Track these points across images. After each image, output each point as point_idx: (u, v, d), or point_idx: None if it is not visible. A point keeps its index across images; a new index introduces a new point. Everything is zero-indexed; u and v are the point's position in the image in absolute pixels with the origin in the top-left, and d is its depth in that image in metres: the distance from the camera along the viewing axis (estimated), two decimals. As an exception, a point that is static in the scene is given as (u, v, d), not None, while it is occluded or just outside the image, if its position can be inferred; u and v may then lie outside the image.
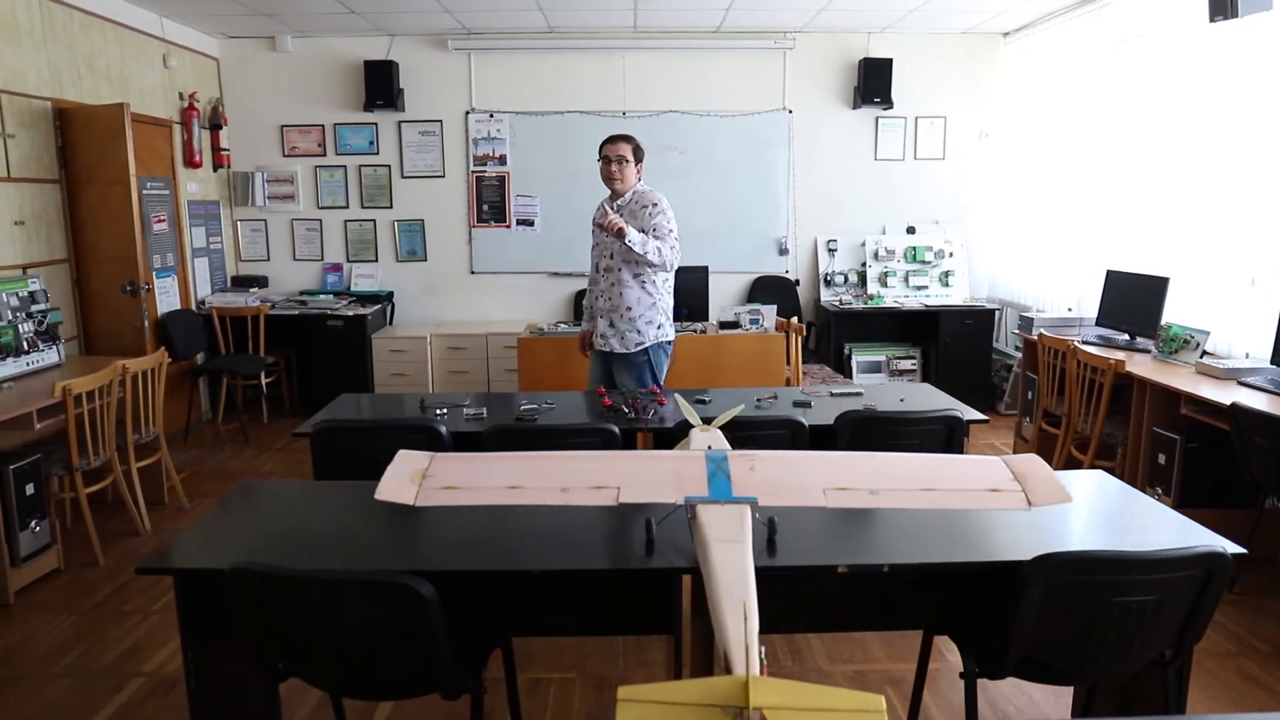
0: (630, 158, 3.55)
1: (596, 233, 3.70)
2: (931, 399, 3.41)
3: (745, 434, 3.01)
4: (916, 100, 6.15)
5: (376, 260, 6.36)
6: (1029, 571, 1.80)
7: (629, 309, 3.59)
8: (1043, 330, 4.58)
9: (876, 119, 6.20)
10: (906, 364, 6.12)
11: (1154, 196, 4.60)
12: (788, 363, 4.76)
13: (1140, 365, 3.88)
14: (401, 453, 1.84)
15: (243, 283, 6.20)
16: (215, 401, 5.84)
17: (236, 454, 5.22)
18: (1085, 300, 5.10)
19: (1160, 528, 2.12)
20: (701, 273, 4.70)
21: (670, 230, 3.52)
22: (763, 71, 6.13)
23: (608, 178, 3.56)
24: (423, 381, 5.95)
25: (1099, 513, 2.23)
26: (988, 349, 5.90)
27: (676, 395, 2.42)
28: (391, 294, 6.35)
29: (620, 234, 3.37)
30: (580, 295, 6.37)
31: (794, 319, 4.99)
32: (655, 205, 3.54)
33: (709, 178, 6.23)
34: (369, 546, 2.04)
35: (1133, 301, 4.38)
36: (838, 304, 6.01)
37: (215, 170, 6.05)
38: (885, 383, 5.98)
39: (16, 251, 4.11)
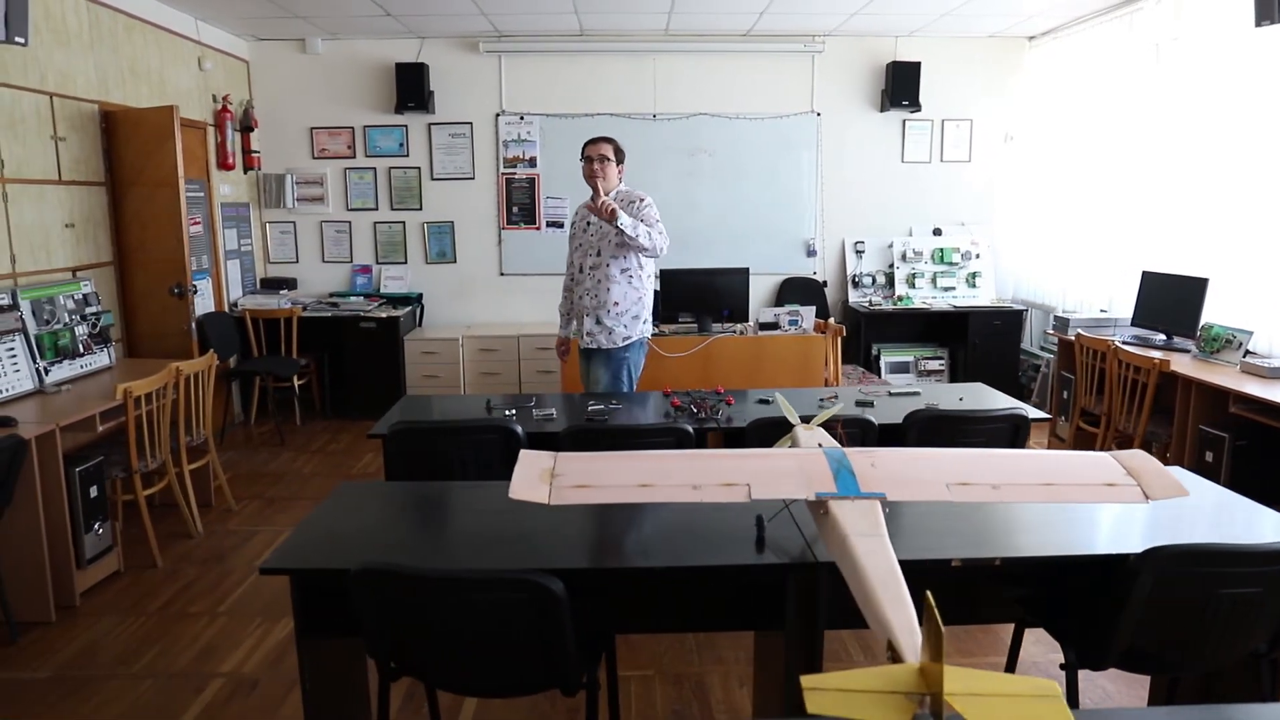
0: (612, 157, 3.59)
1: (578, 235, 3.76)
2: (990, 398, 3.46)
3: (816, 433, 3.06)
4: (943, 103, 6.21)
5: (406, 262, 6.37)
6: (1139, 564, 1.84)
7: (616, 304, 3.64)
8: (1080, 331, 4.65)
9: (904, 121, 6.26)
10: (934, 364, 6.18)
11: (1190, 198, 4.67)
12: (826, 364, 4.81)
13: (1182, 365, 3.95)
14: (524, 452, 1.86)
15: (271, 284, 6.20)
16: (247, 404, 5.84)
17: (274, 456, 5.22)
18: (1117, 301, 5.17)
19: (1250, 521, 2.17)
20: (742, 274, 4.74)
21: (657, 219, 3.59)
22: (792, 75, 6.18)
23: (590, 176, 3.57)
24: (455, 383, 5.97)
25: (1187, 506, 2.28)
26: (1016, 349, 5.97)
27: (777, 394, 2.46)
28: (421, 296, 6.36)
29: (613, 216, 3.39)
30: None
31: (829, 320, 5.04)
32: (643, 200, 3.61)
33: (737, 180, 6.28)
34: (481, 545, 2.06)
35: (1170, 302, 4.45)
36: (867, 305, 6.06)
37: (245, 172, 6.05)
38: (913, 382, 6.03)
39: (67, 254, 4.11)
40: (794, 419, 2.29)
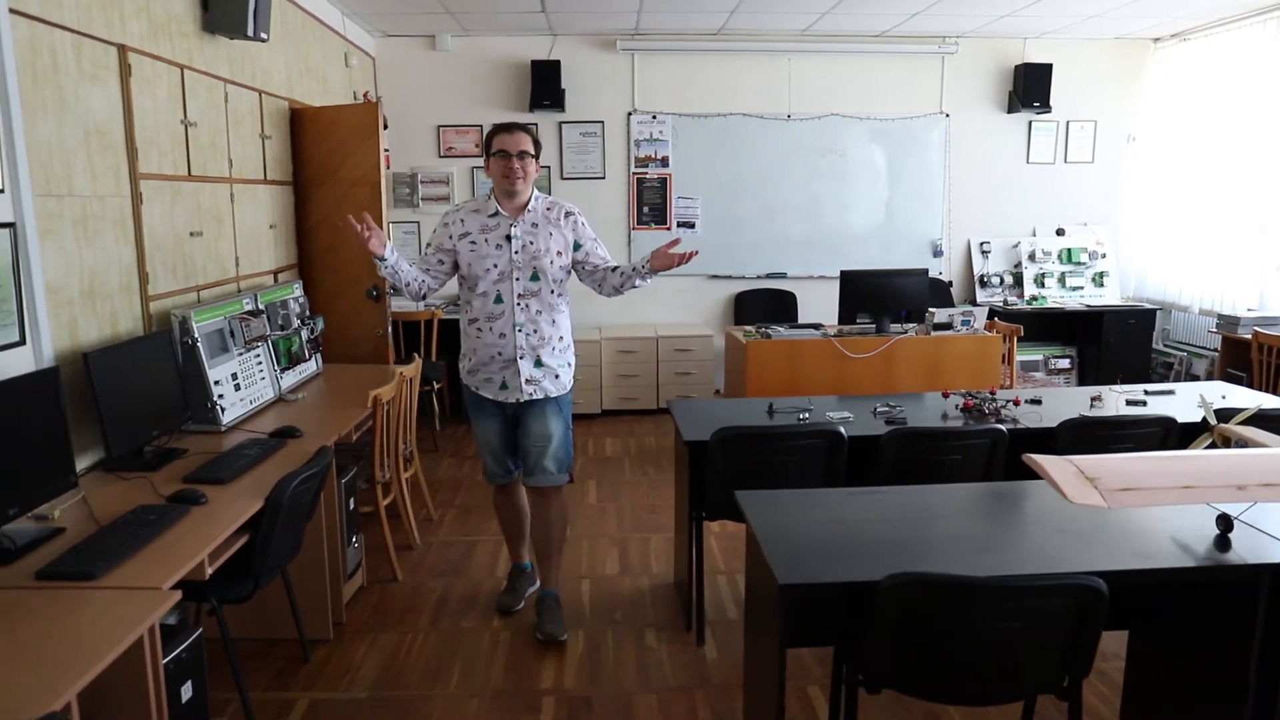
0: (534, 152, 2.81)
1: (482, 254, 2.83)
2: (1237, 394, 3.48)
3: (1121, 432, 3.07)
4: (1068, 104, 6.27)
5: (532, 263, 6.25)
6: None
7: (561, 339, 2.94)
8: (1257, 329, 4.72)
9: (1029, 123, 6.32)
10: (1063, 363, 6.24)
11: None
12: (1003, 363, 4.82)
13: (1387, 361, 4.03)
14: (1044, 459, 1.83)
15: (395, 286, 6.04)
16: (384, 409, 5.68)
17: (434, 462, 5.09)
18: (1269, 298, 5.26)
19: None
20: (921, 275, 4.73)
21: (594, 237, 3.02)
22: (923, 76, 6.20)
23: (507, 174, 2.75)
24: (592, 386, 5.88)
25: None
26: (1148, 348, 6.05)
27: (1200, 394, 2.44)
28: (548, 298, 6.25)
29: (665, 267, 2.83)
30: (739, 297, 6.37)
31: (995, 319, 5.06)
32: (578, 216, 2.97)
33: (866, 180, 6.29)
34: (970, 550, 2.00)
35: (1349, 300, 4.54)
36: (1002, 305, 6.10)
37: (374, 172, 5.89)
38: (1047, 381, 6.08)
39: (270, 257, 3.97)
40: (1213, 419, 2.29)
